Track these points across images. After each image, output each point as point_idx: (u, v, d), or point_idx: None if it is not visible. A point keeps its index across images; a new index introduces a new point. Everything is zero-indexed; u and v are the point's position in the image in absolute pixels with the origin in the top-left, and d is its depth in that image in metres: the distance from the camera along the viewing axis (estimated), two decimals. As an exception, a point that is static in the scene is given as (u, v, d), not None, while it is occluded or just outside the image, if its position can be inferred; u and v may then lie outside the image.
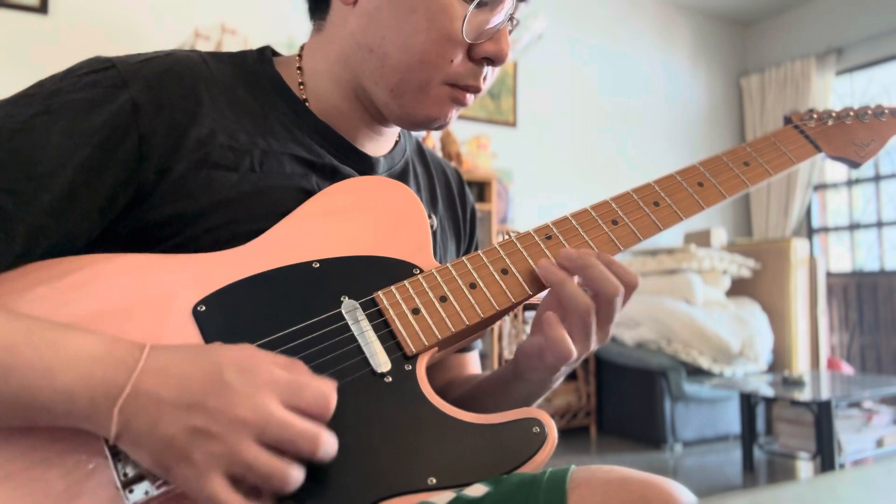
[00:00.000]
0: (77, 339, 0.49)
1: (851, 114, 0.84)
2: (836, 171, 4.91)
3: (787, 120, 0.84)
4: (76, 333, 0.50)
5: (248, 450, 0.46)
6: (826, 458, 2.77)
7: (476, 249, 0.88)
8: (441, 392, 0.82)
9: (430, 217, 0.71)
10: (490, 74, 0.70)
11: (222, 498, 0.45)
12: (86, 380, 0.47)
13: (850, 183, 4.80)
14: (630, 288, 0.63)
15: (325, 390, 0.50)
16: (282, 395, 0.48)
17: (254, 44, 2.76)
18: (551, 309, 0.63)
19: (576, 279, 0.63)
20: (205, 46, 2.93)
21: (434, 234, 0.76)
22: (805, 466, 3.19)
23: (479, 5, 0.64)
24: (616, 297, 0.61)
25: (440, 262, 0.66)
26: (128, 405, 0.47)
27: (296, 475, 0.47)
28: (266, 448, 0.47)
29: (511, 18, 0.67)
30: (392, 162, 0.77)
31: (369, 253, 0.64)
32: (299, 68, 0.72)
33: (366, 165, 0.73)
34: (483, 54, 0.66)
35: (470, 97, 0.69)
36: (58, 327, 0.50)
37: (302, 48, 0.74)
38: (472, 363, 0.85)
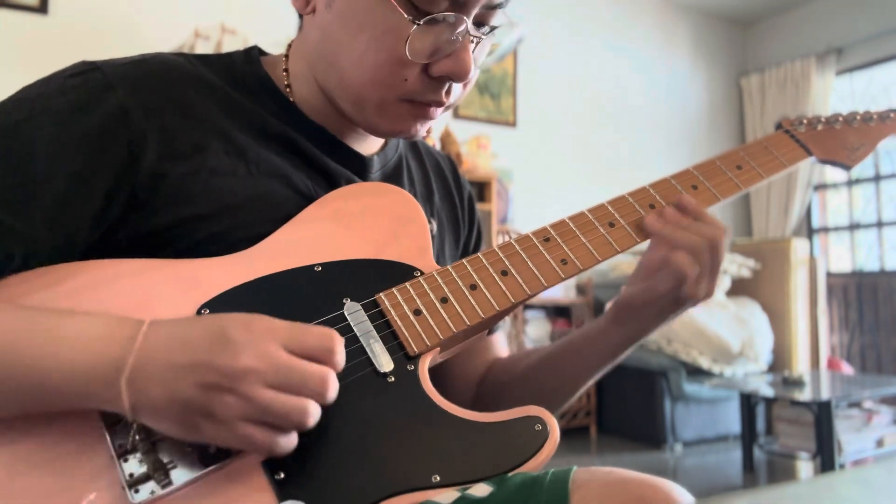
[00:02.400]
0: (76, 321, 0.50)
1: (841, 119, 0.86)
2: (836, 170, 4.91)
3: (779, 126, 0.86)
4: (75, 316, 0.51)
5: (261, 394, 0.47)
6: (826, 458, 2.77)
7: (479, 233, 0.88)
8: (485, 375, 0.83)
9: (429, 222, 0.71)
10: (459, 88, 0.66)
11: (258, 439, 0.47)
12: (90, 358, 0.48)
13: (851, 183, 4.81)
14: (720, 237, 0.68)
15: (328, 330, 0.51)
16: (284, 342, 0.49)
17: (253, 44, 2.75)
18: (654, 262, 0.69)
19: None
20: (205, 46, 2.93)
21: (433, 237, 0.76)
22: (805, 466, 3.19)
23: (429, 22, 0.59)
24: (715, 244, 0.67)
25: (440, 258, 0.66)
26: (136, 376, 0.47)
27: (314, 408, 0.48)
28: (278, 391, 0.48)
29: (482, 26, 0.63)
30: (385, 159, 0.76)
31: (370, 256, 0.64)
32: (286, 70, 0.71)
33: (359, 164, 0.72)
34: (441, 72, 0.62)
35: (436, 111, 0.66)
36: (60, 313, 0.51)
37: (289, 47, 0.73)
38: (501, 342, 0.87)
